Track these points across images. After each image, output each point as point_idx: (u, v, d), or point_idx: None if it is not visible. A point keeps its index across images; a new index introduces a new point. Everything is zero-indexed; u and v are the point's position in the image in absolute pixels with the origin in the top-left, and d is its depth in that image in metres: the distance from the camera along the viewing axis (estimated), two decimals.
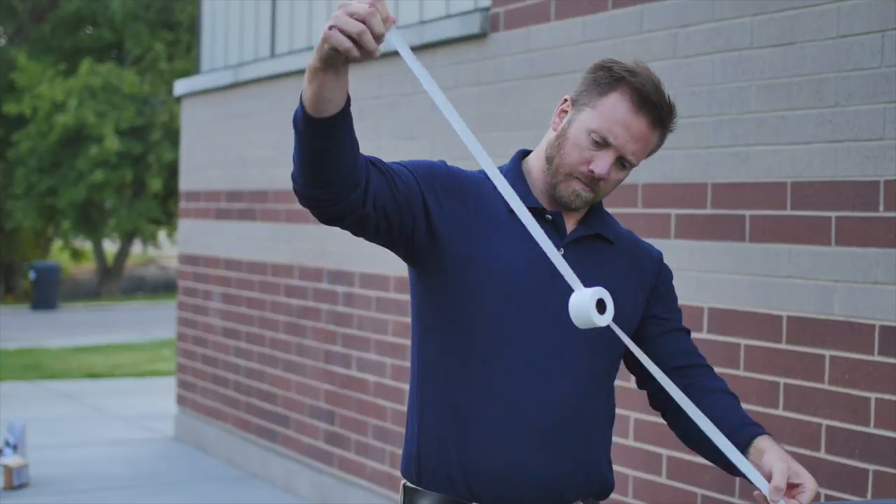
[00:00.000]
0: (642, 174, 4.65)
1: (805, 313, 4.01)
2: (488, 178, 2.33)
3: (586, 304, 2.08)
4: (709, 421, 2.24)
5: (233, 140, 8.27)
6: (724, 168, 4.31)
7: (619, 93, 2.29)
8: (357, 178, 2.16)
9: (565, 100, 2.37)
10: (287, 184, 7.37)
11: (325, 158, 2.14)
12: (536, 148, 2.43)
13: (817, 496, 2.24)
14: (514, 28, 5.39)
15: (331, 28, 1.96)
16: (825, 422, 3.93)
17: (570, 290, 2.22)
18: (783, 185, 4.09)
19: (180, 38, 24.74)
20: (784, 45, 4.08)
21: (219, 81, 8.40)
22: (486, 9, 5.66)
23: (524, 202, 2.26)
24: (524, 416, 2.28)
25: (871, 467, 3.77)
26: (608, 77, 2.30)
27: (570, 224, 2.38)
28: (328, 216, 2.22)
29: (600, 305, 2.11)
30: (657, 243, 4.52)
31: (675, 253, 4.51)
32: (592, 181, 2.30)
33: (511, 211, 2.29)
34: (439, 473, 2.32)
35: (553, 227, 2.35)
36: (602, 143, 2.29)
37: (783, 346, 4.09)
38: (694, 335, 4.40)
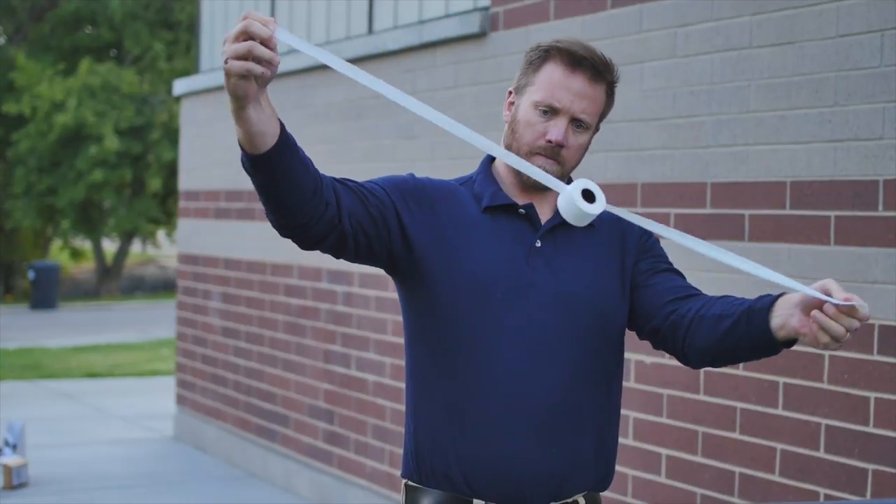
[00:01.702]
0: (641, 174, 4.65)
1: None
2: (461, 186, 2.41)
3: (571, 196, 2.13)
4: (755, 266, 2.18)
5: (232, 139, 8.22)
6: (724, 167, 4.31)
7: (551, 61, 2.35)
8: (325, 196, 2.19)
9: (510, 92, 2.42)
10: None
11: (282, 188, 2.13)
12: (504, 135, 2.46)
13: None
14: (514, 27, 5.39)
15: (225, 63, 1.98)
16: (824, 421, 3.93)
17: (550, 285, 2.28)
18: (782, 184, 4.09)
19: (179, 38, 24.73)
20: (783, 44, 4.08)
21: (218, 81, 8.40)
22: (486, 8, 5.66)
23: (496, 200, 2.35)
24: (517, 410, 2.29)
25: (871, 467, 3.77)
26: (538, 53, 2.37)
27: (545, 211, 2.40)
28: (309, 241, 2.24)
29: (588, 196, 2.16)
30: None
31: (675, 253, 4.50)
32: (554, 152, 2.33)
33: (484, 211, 2.36)
34: (438, 471, 2.34)
35: (528, 221, 2.37)
36: (550, 111, 2.33)
37: None
38: None
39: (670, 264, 2.49)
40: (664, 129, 4.55)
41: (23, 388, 11.49)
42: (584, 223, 2.17)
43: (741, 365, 4.24)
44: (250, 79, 1.99)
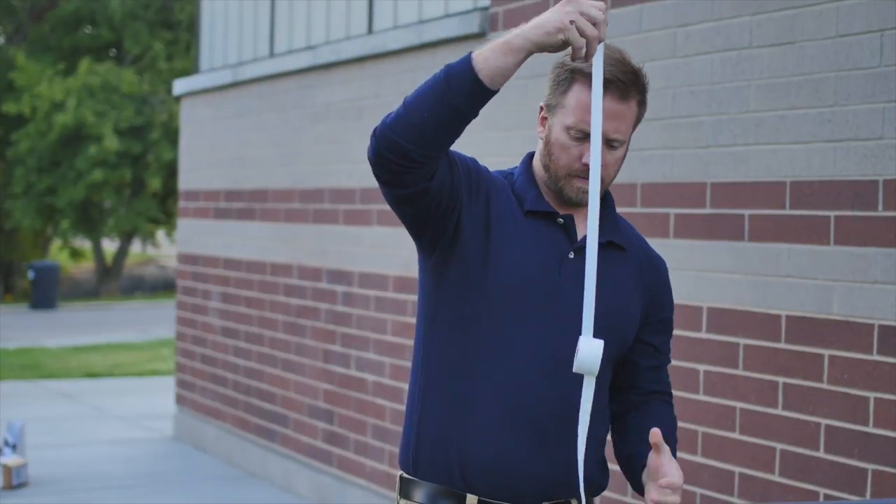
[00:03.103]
0: (641, 174, 4.65)
1: (804, 313, 4.01)
2: (506, 181, 2.41)
3: (596, 355, 2.19)
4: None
5: (232, 139, 8.27)
6: (724, 167, 4.31)
7: (579, 83, 2.31)
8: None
9: (541, 108, 2.40)
10: (286, 183, 7.38)
11: (459, 124, 2.18)
12: (534, 160, 2.46)
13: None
14: (513, 27, 5.38)
15: (571, 22, 2.10)
16: (824, 421, 3.93)
17: (576, 296, 2.28)
18: (782, 184, 4.09)
19: (179, 38, 24.73)
20: (783, 44, 4.08)
21: (218, 81, 8.40)
22: (486, 8, 5.66)
23: (538, 205, 2.34)
24: (522, 413, 2.31)
25: (870, 467, 3.77)
26: (565, 73, 2.34)
27: (582, 227, 2.39)
28: (402, 180, 2.22)
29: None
30: (656, 243, 4.52)
31: (675, 252, 4.51)
32: None
33: (527, 214, 2.36)
34: (437, 463, 2.35)
35: (564, 232, 2.38)
36: (583, 136, 2.30)
37: (782, 345, 4.09)
38: (693, 335, 4.41)
39: (668, 350, 2.55)
40: (664, 129, 4.55)
41: (23, 388, 11.49)
42: (585, 372, 2.20)
43: (741, 365, 4.24)
44: (563, 46, 2.13)
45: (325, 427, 6.88)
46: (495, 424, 2.31)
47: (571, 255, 2.36)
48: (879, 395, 3.75)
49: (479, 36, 5.61)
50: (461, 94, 2.14)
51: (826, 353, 3.93)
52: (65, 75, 23.37)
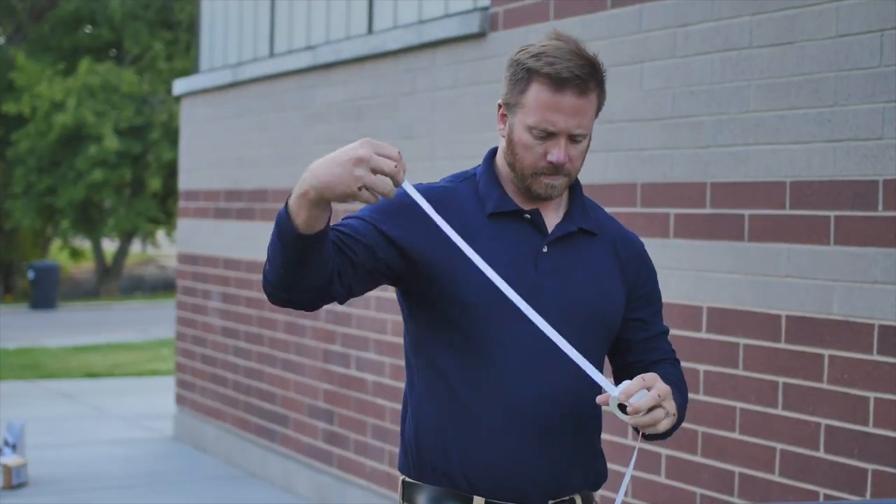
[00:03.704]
0: (641, 174, 4.65)
1: (804, 313, 4.01)
2: (461, 185, 2.39)
3: (612, 405, 2.18)
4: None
5: (232, 139, 8.27)
6: (724, 167, 4.31)
7: (535, 83, 2.29)
8: (332, 274, 2.22)
9: (499, 105, 2.38)
10: (286, 183, 7.37)
11: (312, 266, 2.17)
12: (497, 155, 2.44)
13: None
14: (513, 27, 5.39)
15: (360, 188, 2.07)
16: (824, 421, 3.93)
17: (557, 290, 2.30)
18: (782, 184, 4.09)
19: (179, 38, 24.73)
20: (783, 44, 4.08)
21: (218, 81, 8.40)
22: (486, 8, 5.65)
23: (502, 206, 2.33)
24: (521, 413, 2.31)
25: (870, 467, 3.77)
26: (520, 72, 2.32)
27: (551, 217, 2.40)
28: (315, 305, 2.26)
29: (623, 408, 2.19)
30: (656, 243, 4.52)
31: (675, 252, 4.51)
32: (558, 169, 2.32)
33: (490, 216, 2.35)
34: (438, 467, 2.35)
35: (534, 227, 2.37)
36: (546, 135, 2.30)
37: (782, 345, 4.09)
38: (693, 334, 4.41)
39: (660, 320, 2.54)
40: (664, 129, 4.55)
41: (22, 388, 11.49)
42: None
43: (741, 365, 4.24)
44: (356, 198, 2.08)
45: (325, 427, 6.88)
46: (496, 429, 2.31)
47: (545, 249, 2.36)
48: (879, 395, 3.75)
49: (479, 36, 5.61)
50: (294, 246, 2.14)
51: (826, 353, 3.93)
52: (65, 75, 23.37)
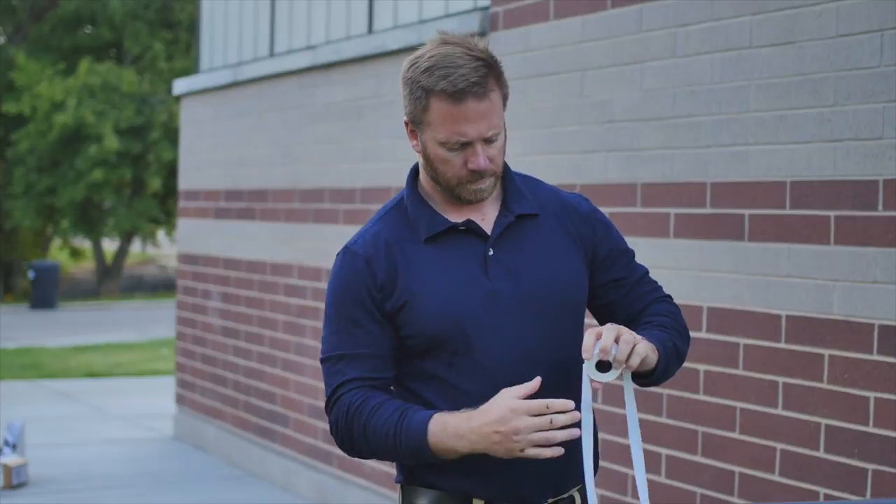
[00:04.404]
0: (641, 174, 4.65)
1: (804, 312, 4.01)
2: (393, 210, 2.39)
3: (588, 377, 2.21)
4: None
5: (232, 139, 8.27)
6: (724, 167, 4.31)
7: (434, 101, 2.27)
8: None
9: (406, 123, 2.37)
10: (286, 183, 7.38)
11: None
12: (420, 169, 2.43)
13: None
14: (514, 27, 5.38)
15: (521, 451, 2.18)
16: (824, 421, 3.93)
17: (514, 288, 2.32)
18: (782, 184, 4.09)
19: (179, 38, 24.72)
20: (783, 44, 4.08)
21: (218, 81, 8.40)
22: (486, 8, 5.65)
23: (434, 227, 2.33)
24: None
25: (870, 466, 3.77)
26: (417, 91, 2.29)
27: (488, 210, 2.39)
28: None
29: (602, 367, 2.19)
30: (656, 243, 4.53)
31: (674, 252, 4.51)
32: (481, 174, 2.31)
33: (428, 239, 2.34)
34: (441, 471, 2.33)
35: (472, 234, 2.37)
36: (460, 146, 2.29)
37: (782, 345, 4.09)
38: (693, 334, 4.40)
39: (629, 263, 2.51)
40: (664, 129, 4.55)
41: (22, 387, 11.49)
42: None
43: (741, 365, 4.24)
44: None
45: (325, 427, 6.88)
46: None
47: (491, 252, 2.35)
48: (879, 395, 3.75)
49: (480, 35, 5.61)
50: (410, 457, 2.27)
51: (826, 353, 3.93)
52: (65, 75, 23.36)
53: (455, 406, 2.28)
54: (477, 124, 2.27)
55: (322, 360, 2.37)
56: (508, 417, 2.16)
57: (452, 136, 2.27)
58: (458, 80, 2.24)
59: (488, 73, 2.28)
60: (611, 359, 2.18)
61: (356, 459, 6.52)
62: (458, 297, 2.30)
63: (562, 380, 2.33)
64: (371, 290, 2.33)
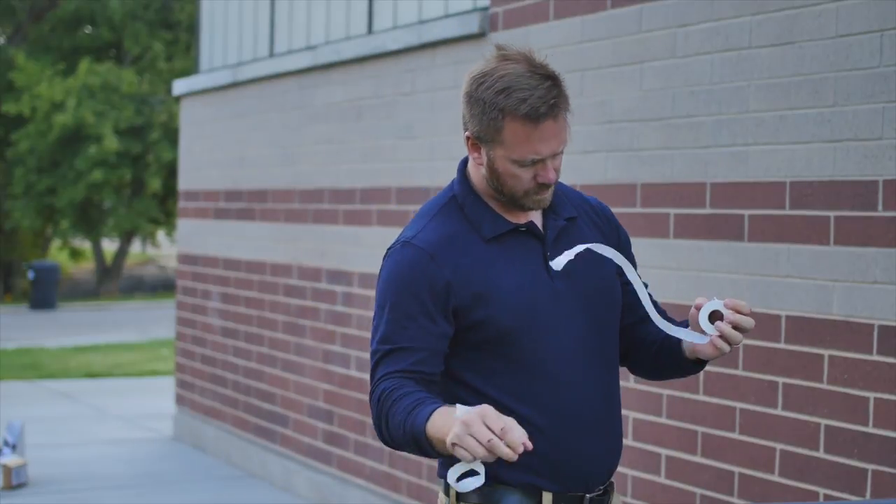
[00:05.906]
0: (641, 174, 4.65)
1: (804, 313, 4.01)
2: (447, 205, 2.41)
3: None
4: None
5: (232, 139, 8.27)
6: (723, 168, 4.31)
7: (510, 122, 2.30)
8: None
9: (468, 137, 2.38)
10: (286, 183, 7.38)
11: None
12: (469, 169, 2.45)
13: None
14: (513, 27, 5.38)
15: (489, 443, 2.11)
16: (824, 421, 3.93)
17: (572, 287, 2.38)
18: (782, 184, 4.09)
19: (179, 38, 24.73)
20: (783, 44, 4.08)
21: (218, 81, 8.40)
22: (485, 8, 5.65)
23: (498, 228, 2.38)
24: (573, 414, 2.38)
25: (870, 467, 3.77)
26: (492, 112, 2.31)
27: (536, 215, 2.46)
28: None
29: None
30: (656, 243, 4.53)
31: (674, 252, 4.51)
32: (547, 186, 2.37)
33: (490, 240, 2.38)
34: (506, 465, 2.33)
35: (530, 235, 2.43)
36: (531, 163, 2.33)
37: (782, 345, 4.09)
38: None
39: (632, 256, 2.61)
40: (664, 129, 4.55)
41: (22, 388, 11.49)
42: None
43: (741, 365, 4.24)
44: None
45: (325, 427, 6.88)
46: (553, 432, 2.36)
47: (549, 254, 2.42)
48: (879, 395, 3.75)
49: (479, 36, 5.61)
50: (414, 447, 2.34)
51: (826, 353, 3.93)
52: (65, 75, 23.36)
53: (517, 397, 2.35)
54: (550, 143, 2.32)
55: (372, 353, 2.39)
56: (473, 419, 2.13)
57: (527, 156, 2.32)
58: (538, 104, 2.28)
59: (560, 92, 2.33)
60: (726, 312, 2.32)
61: (356, 459, 6.53)
62: (531, 292, 2.37)
63: (612, 372, 2.46)
64: (434, 286, 2.34)
